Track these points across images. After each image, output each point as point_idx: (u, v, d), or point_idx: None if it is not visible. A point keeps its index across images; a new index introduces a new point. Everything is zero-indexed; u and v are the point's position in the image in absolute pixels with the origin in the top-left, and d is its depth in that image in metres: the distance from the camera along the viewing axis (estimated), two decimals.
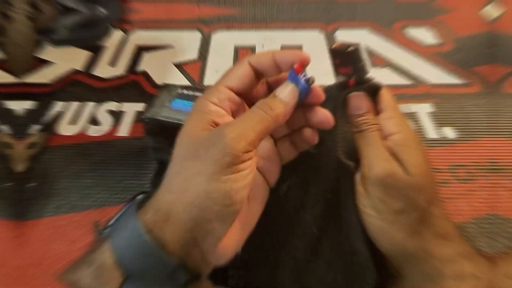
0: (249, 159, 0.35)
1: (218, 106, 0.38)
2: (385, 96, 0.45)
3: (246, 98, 0.41)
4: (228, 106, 0.39)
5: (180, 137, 0.37)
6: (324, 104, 0.41)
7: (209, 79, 0.80)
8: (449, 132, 0.70)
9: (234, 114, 0.39)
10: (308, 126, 0.42)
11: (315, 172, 0.46)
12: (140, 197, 0.39)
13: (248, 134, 0.35)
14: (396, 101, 0.45)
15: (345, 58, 0.43)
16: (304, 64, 0.39)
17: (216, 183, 0.34)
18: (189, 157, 0.35)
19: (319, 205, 0.45)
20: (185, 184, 0.34)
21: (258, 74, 0.40)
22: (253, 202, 0.40)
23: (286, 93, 0.38)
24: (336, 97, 0.44)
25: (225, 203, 0.34)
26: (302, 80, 0.38)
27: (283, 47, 0.88)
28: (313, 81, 0.39)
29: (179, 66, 0.83)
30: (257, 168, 0.42)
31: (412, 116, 0.73)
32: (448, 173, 0.64)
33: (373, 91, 0.44)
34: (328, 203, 0.45)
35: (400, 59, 0.85)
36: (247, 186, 0.36)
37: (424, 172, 0.41)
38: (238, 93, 0.39)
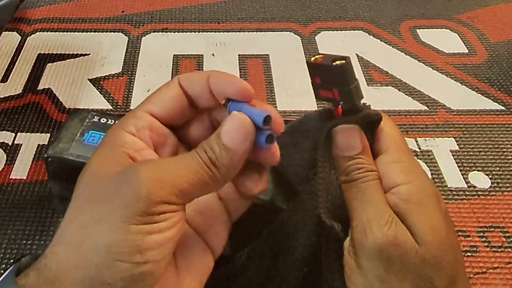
0: (170, 213, 0.35)
1: (135, 136, 0.39)
2: (387, 130, 0.45)
3: (180, 133, 0.42)
4: (148, 137, 0.40)
5: (82, 175, 0.37)
6: (300, 141, 0.41)
7: (138, 100, 0.78)
8: (479, 180, 0.70)
9: (159, 149, 0.41)
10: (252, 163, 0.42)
11: (286, 236, 0.45)
12: (26, 258, 0.39)
13: (174, 180, 0.35)
14: (403, 136, 0.45)
15: (330, 76, 0.42)
16: (244, 96, 0.39)
17: (123, 233, 0.34)
18: (90, 199, 0.35)
19: (291, 283, 0.45)
20: (81, 234, 0.34)
21: (191, 101, 0.41)
22: (186, 276, 0.40)
23: (233, 130, 0.37)
24: (316, 131, 0.44)
25: (133, 260, 0.34)
26: (259, 116, 0.38)
27: (243, 58, 0.89)
28: (272, 137, 0.38)
29: (97, 83, 0.83)
30: (192, 227, 0.42)
31: (426, 156, 0.73)
32: (477, 238, 0.64)
33: (370, 123, 0.44)
34: (303, 281, 0.45)
35: (408, 74, 0.87)
36: (167, 243, 0.35)
37: (442, 240, 0.40)
38: (164, 122, 0.41)
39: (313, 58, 0.43)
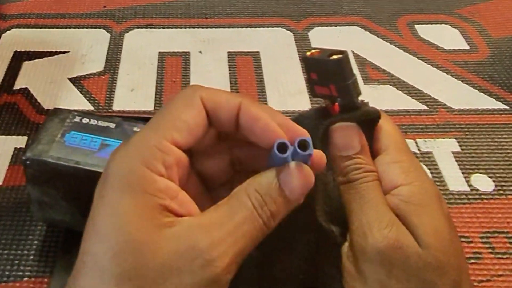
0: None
1: (164, 177, 0.35)
2: (387, 129, 0.45)
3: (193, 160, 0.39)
4: (177, 175, 0.36)
5: (107, 238, 0.33)
6: None
7: (121, 101, 0.80)
8: (482, 183, 0.71)
9: (180, 182, 0.37)
10: None
11: (281, 241, 0.44)
12: None
13: (236, 249, 0.34)
14: (402, 135, 0.45)
15: (326, 72, 0.43)
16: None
17: None
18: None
19: None
20: None
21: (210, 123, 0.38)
22: None
23: (298, 186, 0.36)
24: (312, 130, 0.43)
25: None
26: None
27: (232, 55, 0.89)
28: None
29: (77, 82, 0.82)
30: None
31: (426, 158, 0.73)
32: (481, 244, 0.64)
33: (369, 121, 0.44)
34: None
35: (407, 72, 0.87)
36: None
37: (446, 243, 0.40)
38: (185, 149, 0.37)
39: (308, 53, 0.43)
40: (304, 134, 0.37)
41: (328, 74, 0.42)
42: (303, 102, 0.80)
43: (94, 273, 0.32)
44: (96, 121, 0.59)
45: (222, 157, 0.41)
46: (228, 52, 0.89)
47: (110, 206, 0.33)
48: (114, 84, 0.82)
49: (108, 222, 0.33)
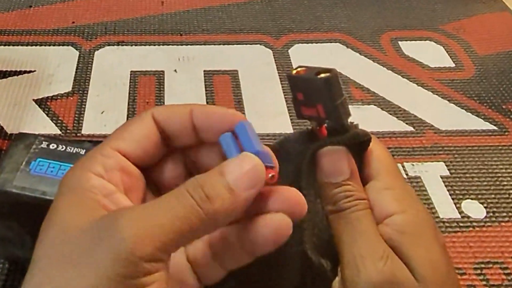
0: (156, 272, 0.33)
1: (104, 178, 0.37)
2: (378, 153, 0.44)
3: (147, 174, 0.40)
4: (120, 179, 0.38)
5: (46, 227, 0.35)
6: (279, 167, 0.40)
7: (91, 124, 0.79)
8: (474, 209, 0.70)
9: (129, 193, 0.39)
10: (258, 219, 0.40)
11: (267, 275, 0.44)
12: None
13: (159, 232, 0.33)
14: (393, 159, 0.45)
15: (313, 92, 0.42)
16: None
17: None
18: (60, 260, 0.33)
19: None
20: None
21: (165, 138, 0.40)
22: None
23: (241, 172, 0.36)
24: (298, 155, 0.44)
25: None
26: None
27: (209, 74, 0.88)
28: None
29: (43, 104, 0.82)
30: None
31: (414, 183, 0.73)
32: (475, 276, 0.64)
33: (358, 144, 0.44)
34: None
35: (392, 91, 0.87)
36: None
37: (443, 276, 0.40)
38: (134, 162, 0.39)
39: (294, 71, 0.42)
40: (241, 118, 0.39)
41: (315, 94, 0.42)
42: (284, 125, 0.80)
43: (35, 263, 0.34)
44: (64, 146, 0.58)
45: (175, 164, 0.42)
46: (205, 70, 0.89)
47: (51, 209, 0.36)
48: (83, 106, 0.82)
49: (47, 218, 0.36)
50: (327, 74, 0.41)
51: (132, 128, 0.39)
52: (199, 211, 0.34)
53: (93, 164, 0.37)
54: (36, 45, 0.92)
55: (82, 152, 0.57)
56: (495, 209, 0.70)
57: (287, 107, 0.82)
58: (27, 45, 0.92)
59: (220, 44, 0.94)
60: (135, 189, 0.39)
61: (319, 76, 0.41)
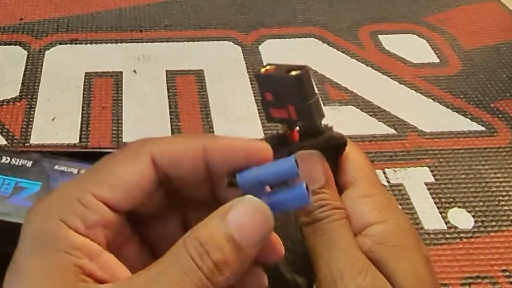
0: None
1: (82, 235, 0.32)
2: (354, 158, 0.44)
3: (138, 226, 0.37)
4: (102, 236, 0.33)
5: None
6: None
7: (41, 132, 0.78)
8: (461, 219, 0.71)
9: (116, 252, 0.34)
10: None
11: None
12: None
13: None
14: (371, 164, 0.45)
15: (284, 91, 0.42)
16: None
17: None
18: None
19: None
20: None
21: (163, 179, 0.36)
22: None
23: (248, 225, 0.34)
24: None
25: None
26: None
27: (171, 75, 0.88)
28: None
29: None
30: None
31: (397, 191, 0.73)
32: None
33: (333, 149, 0.44)
34: None
35: (371, 90, 0.87)
36: None
37: None
38: (118, 210, 0.34)
39: (263, 69, 0.42)
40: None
41: (285, 94, 0.41)
42: (255, 128, 0.79)
43: None
44: (8, 158, 0.58)
45: (173, 220, 0.39)
46: (167, 70, 0.89)
47: (18, 274, 0.32)
48: (32, 112, 0.81)
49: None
50: (298, 72, 0.40)
51: (121, 171, 0.34)
52: (203, 281, 0.32)
53: (69, 215, 0.33)
54: None
55: (29, 164, 0.57)
56: (483, 218, 0.70)
57: (258, 109, 0.82)
58: None
59: (184, 41, 0.94)
60: (124, 246, 0.36)
61: (290, 74, 0.40)
